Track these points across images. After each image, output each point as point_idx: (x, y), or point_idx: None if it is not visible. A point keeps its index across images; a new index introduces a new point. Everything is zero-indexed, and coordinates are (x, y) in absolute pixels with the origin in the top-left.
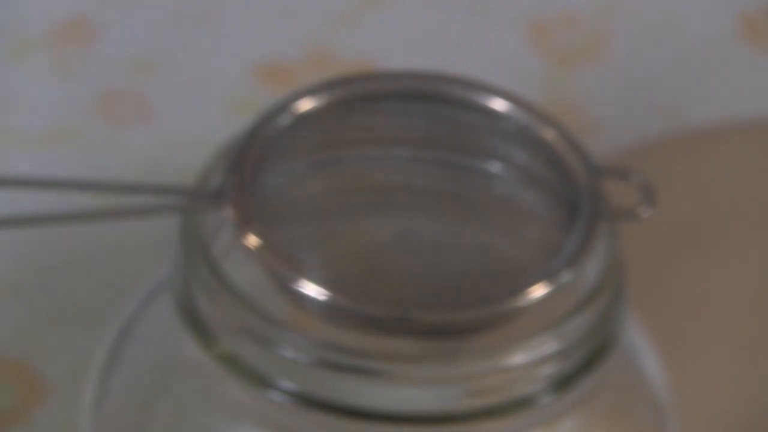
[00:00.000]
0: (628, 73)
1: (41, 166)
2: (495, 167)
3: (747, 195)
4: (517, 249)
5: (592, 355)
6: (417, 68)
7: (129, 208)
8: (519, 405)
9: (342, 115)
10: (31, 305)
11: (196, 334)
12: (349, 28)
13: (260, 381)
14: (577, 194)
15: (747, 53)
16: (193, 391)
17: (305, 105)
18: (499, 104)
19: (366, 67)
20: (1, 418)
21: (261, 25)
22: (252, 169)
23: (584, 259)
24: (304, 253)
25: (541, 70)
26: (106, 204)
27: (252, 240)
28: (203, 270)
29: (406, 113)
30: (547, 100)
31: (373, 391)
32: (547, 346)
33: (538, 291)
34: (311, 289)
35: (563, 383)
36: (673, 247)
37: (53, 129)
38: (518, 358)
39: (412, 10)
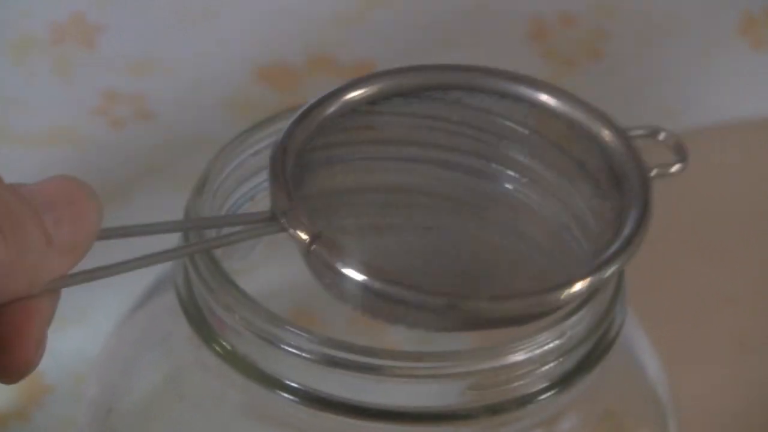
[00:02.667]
0: (628, 73)
1: (41, 166)
2: (521, 169)
3: (747, 195)
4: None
5: (591, 353)
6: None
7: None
8: (520, 402)
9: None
10: None
11: (199, 332)
12: (349, 28)
13: (263, 378)
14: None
15: (747, 53)
16: (196, 388)
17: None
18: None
19: (366, 67)
20: (1, 417)
21: (261, 26)
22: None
23: (632, 253)
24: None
25: (541, 69)
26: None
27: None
28: (207, 267)
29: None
30: None
31: (376, 388)
32: (547, 344)
33: (584, 284)
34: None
35: (563, 381)
36: (673, 247)
37: (53, 129)
38: (519, 355)
39: (412, 10)
